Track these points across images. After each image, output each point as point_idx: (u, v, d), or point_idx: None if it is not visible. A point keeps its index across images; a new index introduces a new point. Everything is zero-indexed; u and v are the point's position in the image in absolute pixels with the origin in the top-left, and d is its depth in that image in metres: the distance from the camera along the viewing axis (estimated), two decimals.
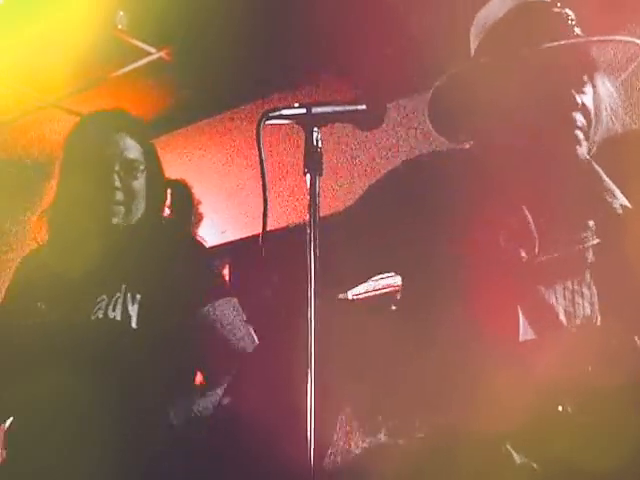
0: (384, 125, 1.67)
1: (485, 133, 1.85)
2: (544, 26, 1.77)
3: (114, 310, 2.18)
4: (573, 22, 1.80)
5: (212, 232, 4.91)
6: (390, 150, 4.14)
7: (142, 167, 2.32)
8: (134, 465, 2.14)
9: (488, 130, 1.84)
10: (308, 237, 1.52)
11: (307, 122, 1.60)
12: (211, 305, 2.30)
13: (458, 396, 1.63)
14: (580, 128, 1.76)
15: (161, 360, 2.21)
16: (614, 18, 3.44)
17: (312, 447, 1.41)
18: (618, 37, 1.77)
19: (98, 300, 2.20)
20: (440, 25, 3.50)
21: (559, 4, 1.80)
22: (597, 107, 1.82)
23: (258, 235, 1.56)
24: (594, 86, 1.81)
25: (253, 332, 2.41)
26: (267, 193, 1.55)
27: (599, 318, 1.72)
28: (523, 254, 1.73)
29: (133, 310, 2.18)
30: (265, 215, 1.55)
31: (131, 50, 4.17)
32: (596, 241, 1.77)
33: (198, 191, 5.02)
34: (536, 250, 1.74)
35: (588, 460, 1.50)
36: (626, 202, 1.84)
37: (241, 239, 4.64)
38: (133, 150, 2.32)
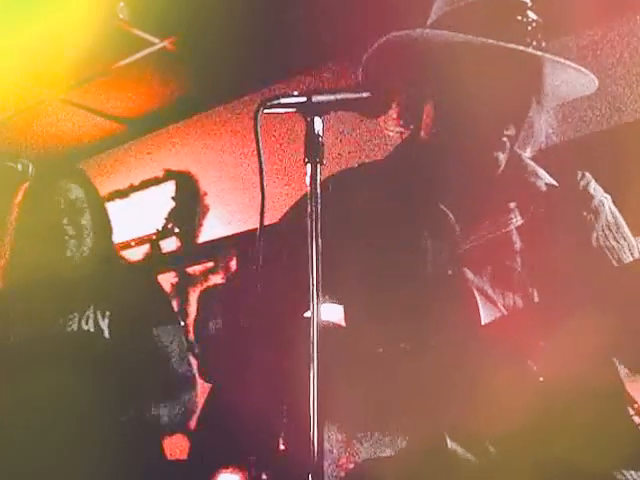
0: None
1: (414, 99, 1.84)
2: (506, 23, 1.72)
3: (87, 324, 2.50)
4: (536, 30, 1.75)
5: (218, 223, 4.89)
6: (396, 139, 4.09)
7: (85, 205, 2.68)
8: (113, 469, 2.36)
9: (417, 97, 1.83)
10: (310, 229, 1.49)
11: (308, 111, 1.56)
12: (155, 331, 2.63)
13: (441, 394, 1.62)
14: (508, 137, 1.75)
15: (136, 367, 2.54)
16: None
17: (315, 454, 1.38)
18: (573, 65, 1.74)
19: (70, 317, 2.52)
20: None
21: (532, 9, 1.76)
22: (534, 120, 1.82)
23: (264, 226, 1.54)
24: (536, 101, 1.80)
25: (194, 367, 2.74)
26: (264, 183, 1.52)
27: (535, 295, 1.72)
28: (446, 248, 1.74)
29: (104, 324, 2.51)
30: (262, 206, 1.51)
31: (134, 41, 4.14)
32: (520, 221, 1.77)
33: (203, 182, 5.04)
34: (459, 241, 1.76)
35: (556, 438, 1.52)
36: (552, 181, 1.83)
37: (247, 230, 4.60)
38: (75, 191, 2.69)
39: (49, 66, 4.24)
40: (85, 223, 2.64)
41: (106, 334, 2.49)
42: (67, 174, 2.75)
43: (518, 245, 1.76)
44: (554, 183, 1.83)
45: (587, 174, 1.85)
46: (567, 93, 1.83)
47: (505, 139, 1.75)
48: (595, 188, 1.83)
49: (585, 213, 1.80)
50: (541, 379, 1.61)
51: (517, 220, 1.77)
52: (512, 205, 1.78)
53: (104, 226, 2.74)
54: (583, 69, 1.74)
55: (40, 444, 2.34)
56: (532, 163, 1.86)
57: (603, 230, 1.78)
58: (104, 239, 2.71)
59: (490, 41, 1.66)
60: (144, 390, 2.60)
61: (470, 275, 1.72)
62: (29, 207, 2.69)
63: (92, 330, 2.48)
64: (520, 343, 1.62)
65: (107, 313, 2.52)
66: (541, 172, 1.85)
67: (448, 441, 1.54)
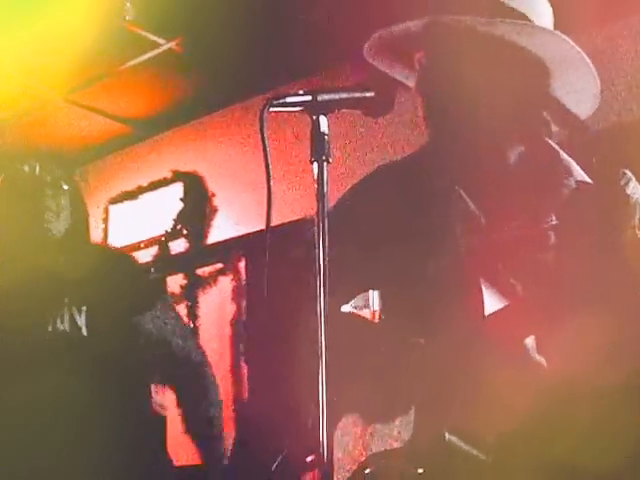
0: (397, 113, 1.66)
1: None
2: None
3: (62, 323, 2.43)
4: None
5: (226, 224, 4.89)
6: (405, 138, 4.09)
7: (66, 186, 2.66)
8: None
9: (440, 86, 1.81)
10: (317, 227, 1.48)
11: (313, 109, 1.55)
12: (150, 312, 2.59)
13: (444, 388, 1.63)
14: (521, 128, 1.78)
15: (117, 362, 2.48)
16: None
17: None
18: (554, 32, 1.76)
19: (46, 317, 2.45)
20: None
21: None
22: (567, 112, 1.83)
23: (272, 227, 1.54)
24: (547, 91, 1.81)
25: (196, 340, 2.75)
26: (271, 184, 1.51)
27: (563, 292, 1.71)
28: (471, 238, 1.75)
29: (81, 321, 2.45)
30: (269, 208, 1.51)
31: (141, 42, 4.14)
32: (555, 222, 1.76)
33: (211, 183, 5.04)
34: (483, 233, 1.76)
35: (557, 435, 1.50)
36: (585, 178, 1.82)
37: (256, 231, 4.60)
38: (58, 171, 2.68)
39: (56, 67, 4.25)
40: (64, 203, 2.61)
41: (84, 332, 2.43)
42: (50, 159, 2.75)
43: (551, 243, 1.75)
44: (587, 180, 1.82)
45: (627, 172, 1.83)
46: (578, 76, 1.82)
47: (516, 131, 1.76)
48: (634, 187, 1.82)
49: (619, 212, 1.78)
50: (546, 369, 1.61)
51: (551, 220, 1.77)
52: (546, 204, 1.78)
53: (82, 214, 2.69)
54: (562, 35, 1.74)
55: (31, 447, 2.33)
56: (567, 158, 1.85)
57: (635, 228, 1.77)
58: (80, 226, 2.67)
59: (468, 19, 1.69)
60: (141, 388, 2.57)
61: (503, 272, 1.72)
62: (11, 181, 2.65)
63: (68, 330, 2.42)
64: (534, 337, 1.62)
65: (83, 308, 2.46)
66: (575, 169, 1.84)
67: (446, 435, 1.54)
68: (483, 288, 1.64)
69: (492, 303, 1.63)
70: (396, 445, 1.65)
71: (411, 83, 1.89)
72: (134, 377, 2.53)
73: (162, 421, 2.68)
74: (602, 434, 1.49)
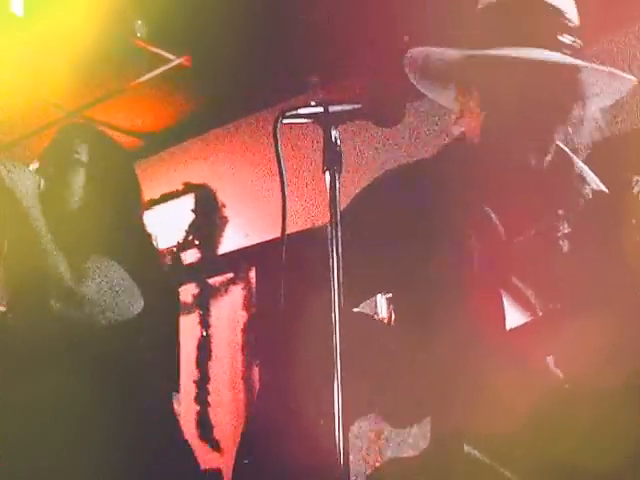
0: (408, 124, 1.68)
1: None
2: (536, 27, 1.76)
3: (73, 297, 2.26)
4: (569, 24, 1.78)
5: (236, 235, 4.92)
6: (418, 147, 4.11)
7: (80, 158, 2.51)
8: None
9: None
10: (330, 236, 1.51)
11: (325, 120, 1.58)
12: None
13: (460, 398, 1.63)
14: (551, 140, 1.79)
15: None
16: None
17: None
18: (614, 70, 1.78)
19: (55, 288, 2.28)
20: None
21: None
22: (579, 121, 1.83)
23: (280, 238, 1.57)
24: (581, 100, 1.82)
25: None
26: (286, 193, 1.54)
27: (576, 302, 1.72)
28: (489, 247, 1.75)
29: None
30: (284, 216, 1.54)
31: (151, 58, 4.18)
32: (567, 230, 1.78)
33: (222, 195, 5.08)
34: (502, 242, 1.77)
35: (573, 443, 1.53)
36: (601, 186, 1.83)
37: (265, 242, 4.63)
38: (80, 148, 2.54)
39: (68, 84, 4.28)
40: (75, 179, 2.47)
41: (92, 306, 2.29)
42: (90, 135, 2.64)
43: (563, 251, 1.77)
44: (603, 189, 1.83)
45: None
46: (612, 92, 1.85)
47: (548, 143, 1.79)
48: None
49: (634, 220, 1.78)
50: (566, 386, 1.62)
51: (564, 228, 1.78)
52: (560, 212, 1.80)
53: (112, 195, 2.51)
54: (615, 71, 1.78)
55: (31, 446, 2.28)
56: (582, 166, 1.87)
57: None
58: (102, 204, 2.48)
59: (533, 57, 1.71)
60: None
61: (514, 279, 1.73)
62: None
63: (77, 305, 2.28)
64: (549, 349, 1.65)
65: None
66: (590, 177, 1.85)
67: (465, 445, 1.55)
68: (503, 298, 1.65)
69: (512, 313, 1.64)
70: (412, 452, 1.66)
71: (443, 100, 1.93)
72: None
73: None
74: (603, 434, 1.51)
